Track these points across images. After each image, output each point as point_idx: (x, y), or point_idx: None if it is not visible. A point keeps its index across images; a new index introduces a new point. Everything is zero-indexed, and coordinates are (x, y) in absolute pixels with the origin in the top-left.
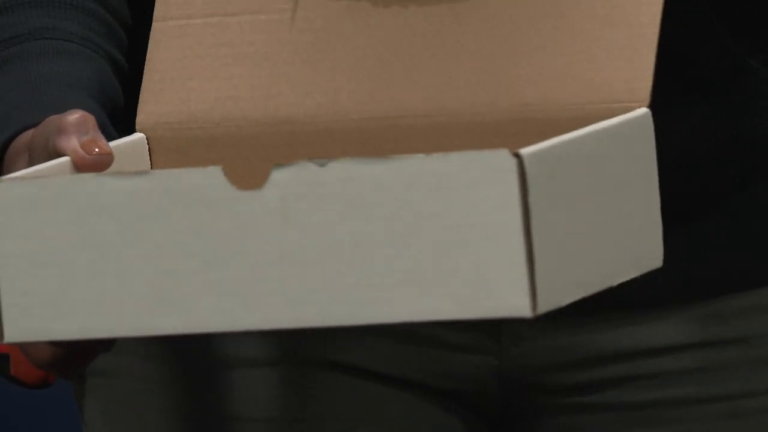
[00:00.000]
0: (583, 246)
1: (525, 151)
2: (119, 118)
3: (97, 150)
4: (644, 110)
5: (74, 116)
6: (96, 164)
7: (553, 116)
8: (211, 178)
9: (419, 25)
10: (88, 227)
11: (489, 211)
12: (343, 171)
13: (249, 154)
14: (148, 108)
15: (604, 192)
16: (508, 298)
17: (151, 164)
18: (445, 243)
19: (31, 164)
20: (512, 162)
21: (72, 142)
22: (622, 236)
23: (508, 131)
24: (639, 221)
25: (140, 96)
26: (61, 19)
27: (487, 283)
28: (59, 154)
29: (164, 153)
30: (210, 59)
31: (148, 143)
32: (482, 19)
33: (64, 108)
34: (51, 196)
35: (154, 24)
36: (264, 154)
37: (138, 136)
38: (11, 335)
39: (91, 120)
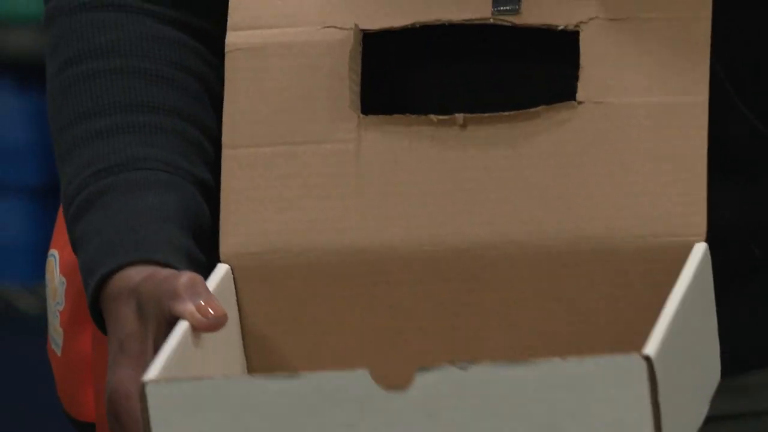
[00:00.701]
0: (689, 412)
1: (651, 352)
2: (207, 234)
3: (212, 313)
4: (704, 246)
5: (184, 280)
6: (212, 326)
7: (614, 248)
8: (359, 379)
9: (479, 155)
10: (241, 426)
11: (622, 410)
12: (484, 374)
13: (329, 282)
14: (229, 240)
15: (694, 346)
16: None
17: (236, 291)
18: None
19: (142, 319)
20: (642, 365)
21: (188, 307)
22: (703, 379)
23: (572, 261)
24: (708, 350)
25: (221, 226)
26: (151, 146)
27: None
28: (174, 317)
29: (248, 282)
30: (282, 190)
31: (232, 272)
32: (538, 150)
33: (156, 246)
34: (205, 396)
35: (224, 150)
36: (344, 283)
37: (224, 267)
38: None
39: (200, 282)
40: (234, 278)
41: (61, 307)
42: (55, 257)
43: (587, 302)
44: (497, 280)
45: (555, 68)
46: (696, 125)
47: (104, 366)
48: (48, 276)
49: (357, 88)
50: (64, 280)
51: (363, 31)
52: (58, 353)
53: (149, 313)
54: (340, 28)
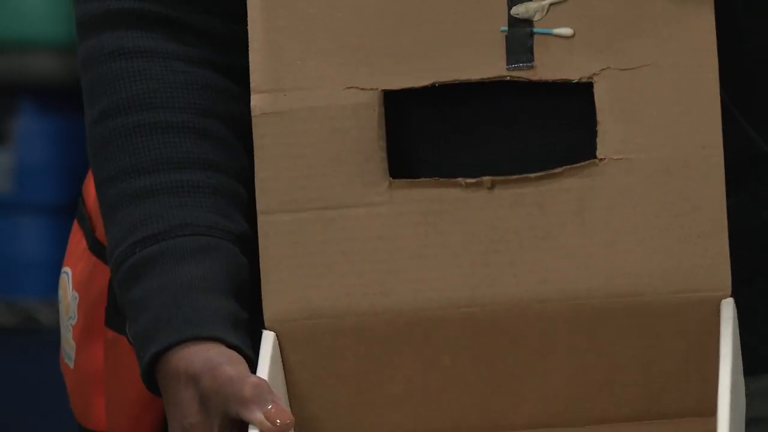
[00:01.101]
0: None
1: None
2: (247, 287)
3: (279, 421)
4: (731, 302)
5: (250, 386)
6: (282, 431)
7: (643, 304)
8: None
9: (507, 216)
10: None
11: None
12: None
13: (370, 344)
14: (272, 307)
15: (739, 405)
16: None
17: (282, 355)
18: None
19: (206, 413)
20: None
21: (257, 416)
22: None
23: (603, 317)
24: (741, 394)
25: (263, 293)
26: (191, 208)
27: None
28: (240, 420)
29: (294, 346)
30: (319, 255)
31: (278, 339)
32: (564, 209)
33: (204, 319)
34: None
35: (260, 216)
36: (383, 345)
37: (271, 335)
38: None
39: (264, 386)
40: (279, 343)
41: (73, 322)
42: (68, 274)
43: (620, 354)
44: (531, 337)
45: (572, 120)
46: (713, 178)
47: (114, 378)
48: (61, 292)
49: (384, 152)
50: (76, 295)
51: (384, 91)
52: (71, 366)
53: (214, 410)
54: (362, 89)
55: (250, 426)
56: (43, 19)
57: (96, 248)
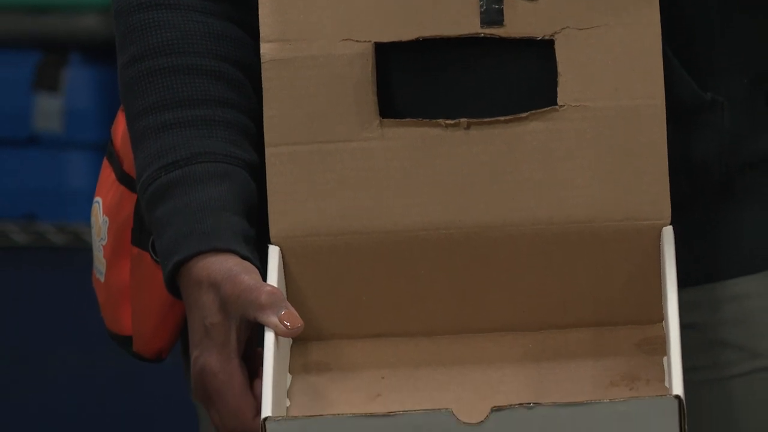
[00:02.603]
0: None
1: (679, 392)
2: (256, 208)
3: (290, 324)
4: (671, 229)
5: (266, 294)
6: (292, 334)
7: (595, 230)
8: (443, 416)
9: (481, 153)
10: None
11: None
12: (546, 411)
13: (361, 259)
14: (277, 226)
15: None
16: None
17: (285, 268)
18: None
19: (226, 315)
20: (674, 403)
21: (273, 320)
22: None
23: (561, 241)
24: None
25: (269, 214)
26: (208, 139)
27: None
28: (257, 322)
29: (295, 259)
30: (319, 182)
31: (282, 253)
32: (529, 148)
33: (220, 234)
34: (316, 429)
35: (267, 149)
36: (373, 260)
37: (276, 249)
38: None
39: (279, 294)
40: (283, 256)
41: (104, 243)
42: (99, 202)
43: (574, 272)
44: (499, 256)
45: (537, 71)
46: (656, 123)
47: (138, 289)
48: (93, 218)
49: (375, 95)
50: (107, 219)
51: (376, 43)
52: (102, 280)
53: (234, 314)
54: (356, 41)
55: (266, 328)
56: None
57: (123, 179)
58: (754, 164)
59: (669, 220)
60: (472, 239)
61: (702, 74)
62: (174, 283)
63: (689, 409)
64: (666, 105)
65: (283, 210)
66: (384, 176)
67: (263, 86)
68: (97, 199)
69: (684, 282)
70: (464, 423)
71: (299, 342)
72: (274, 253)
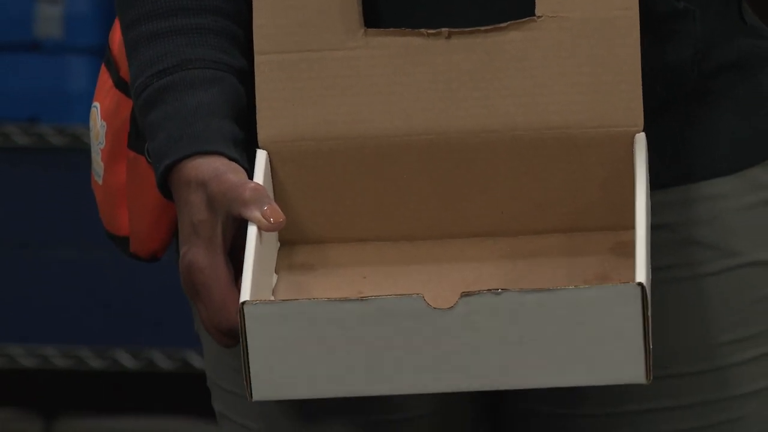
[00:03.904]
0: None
1: (642, 280)
2: (245, 112)
3: (272, 219)
4: (643, 135)
5: (250, 189)
6: (274, 228)
7: (571, 135)
8: (414, 301)
9: (461, 61)
10: (319, 336)
11: (621, 322)
12: (514, 297)
13: (346, 162)
14: (264, 131)
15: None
16: (629, 371)
17: (272, 171)
18: (588, 338)
19: (212, 211)
20: (637, 290)
21: (255, 214)
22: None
23: (538, 145)
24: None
25: (257, 121)
26: (199, 46)
27: (612, 361)
28: (241, 217)
29: (282, 163)
30: (306, 90)
31: (269, 157)
32: (508, 57)
33: (209, 137)
34: (291, 314)
35: (256, 56)
36: (357, 163)
37: (263, 153)
38: (259, 394)
39: (262, 190)
40: (270, 160)
41: (102, 146)
42: (96, 107)
43: (549, 178)
44: (478, 160)
45: None
46: (631, 34)
47: (134, 190)
48: (91, 122)
49: (360, 6)
50: (104, 124)
51: None
52: (100, 182)
53: (219, 210)
54: None
55: (249, 223)
56: None
57: (120, 85)
58: (726, 67)
59: (642, 127)
60: (452, 144)
61: None
62: (166, 185)
63: (663, 306)
64: (641, 15)
65: (270, 116)
66: (368, 83)
67: None
68: (95, 104)
69: (659, 184)
70: (434, 308)
71: (285, 245)
72: (261, 156)
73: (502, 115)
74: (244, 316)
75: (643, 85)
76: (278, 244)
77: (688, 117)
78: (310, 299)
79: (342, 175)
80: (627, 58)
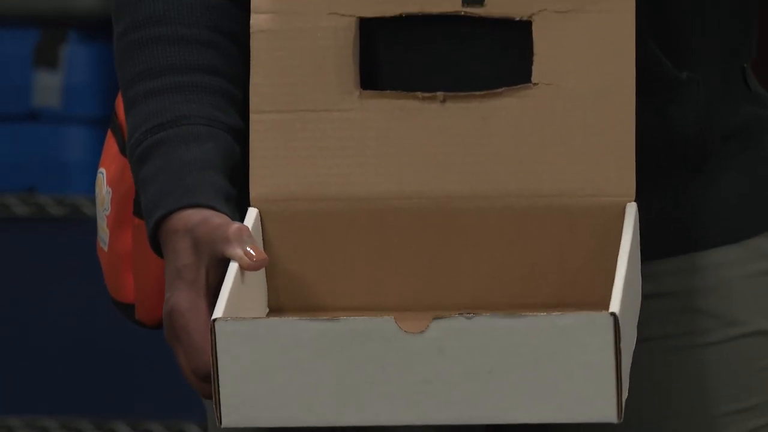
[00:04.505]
0: (630, 340)
1: (616, 310)
2: (239, 170)
3: (255, 257)
4: (634, 206)
5: (234, 229)
6: (256, 267)
7: (562, 204)
8: (385, 323)
9: (455, 125)
10: (289, 356)
11: (592, 354)
12: (485, 322)
13: (336, 224)
14: (257, 189)
15: (633, 289)
16: (599, 407)
17: (262, 230)
18: (559, 370)
19: (197, 254)
20: (610, 320)
21: (237, 252)
22: (636, 311)
23: (528, 213)
24: (637, 286)
25: (250, 179)
26: (194, 103)
27: (582, 396)
28: (224, 257)
29: (273, 222)
30: (299, 149)
31: (260, 215)
32: (502, 123)
33: (200, 190)
34: (261, 332)
35: (252, 115)
36: (347, 225)
37: (254, 211)
38: (228, 420)
39: (246, 231)
40: (261, 219)
41: (107, 212)
42: (102, 173)
43: (539, 246)
44: (467, 226)
45: (514, 50)
46: (626, 105)
47: (140, 257)
48: (97, 189)
49: (358, 67)
50: (110, 190)
51: (360, 18)
52: (105, 249)
53: (204, 250)
54: (342, 15)
55: (231, 261)
56: None
57: (126, 151)
58: (730, 136)
59: (633, 197)
60: (443, 209)
61: (678, 54)
62: (156, 240)
63: (665, 375)
64: (643, 83)
65: (263, 174)
66: (360, 145)
67: (251, 55)
68: (101, 170)
69: (662, 252)
70: (405, 331)
71: (273, 313)
72: (251, 214)
73: (493, 180)
74: (215, 333)
75: (646, 152)
76: (267, 310)
77: (692, 185)
78: (281, 318)
79: (332, 238)
80: (621, 127)
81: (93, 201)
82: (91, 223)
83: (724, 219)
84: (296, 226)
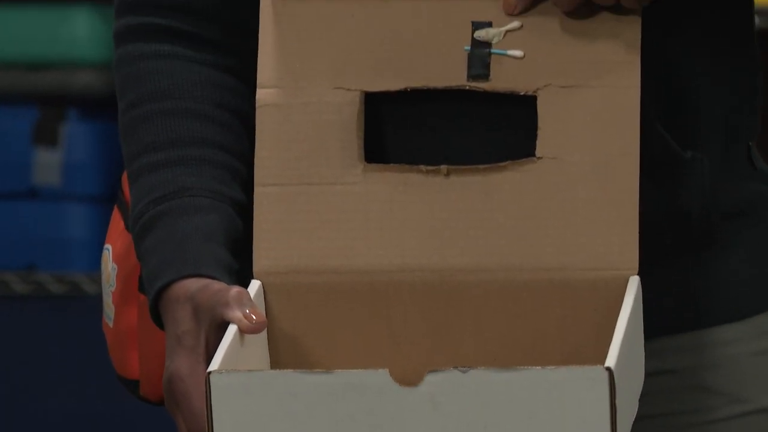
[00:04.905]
0: (630, 409)
1: (612, 364)
2: (241, 243)
3: (254, 319)
4: (637, 279)
5: (234, 292)
6: (255, 329)
7: (565, 278)
8: (380, 376)
9: (458, 199)
10: (285, 408)
11: (587, 409)
12: (480, 376)
13: (339, 297)
14: (261, 261)
15: (633, 358)
16: None
17: (265, 302)
18: (554, 425)
19: (197, 319)
20: (604, 374)
21: (236, 314)
22: (638, 383)
23: (531, 287)
24: (639, 360)
25: (254, 251)
26: (197, 176)
27: None
28: (224, 321)
29: (275, 295)
30: (303, 222)
31: (263, 287)
32: (506, 196)
33: (201, 261)
34: (257, 384)
35: (256, 188)
36: (350, 298)
37: (257, 283)
38: None
39: (246, 295)
40: (264, 292)
41: (113, 288)
42: (108, 249)
43: (542, 320)
44: (470, 299)
45: (516, 124)
46: (629, 179)
47: (146, 333)
48: (103, 265)
49: (362, 141)
50: (115, 266)
51: (365, 92)
52: (110, 325)
53: (204, 316)
54: (347, 90)
55: (230, 324)
56: (86, 43)
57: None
58: (735, 214)
59: (636, 270)
60: (446, 282)
61: (683, 133)
62: (157, 311)
63: None
64: (647, 162)
65: (266, 246)
66: (364, 218)
67: (257, 128)
68: (107, 246)
69: (668, 329)
70: (399, 384)
71: None
72: (254, 285)
73: (496, 254)
74: (210, 386)
75: (651, 231)
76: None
77: (697, 263)
78: (276, 370)
79: (334, 311)
80: (625, 201)
81: (93, 279)
82: (92, 300)
83: (729, 296)
84: (299, 299)
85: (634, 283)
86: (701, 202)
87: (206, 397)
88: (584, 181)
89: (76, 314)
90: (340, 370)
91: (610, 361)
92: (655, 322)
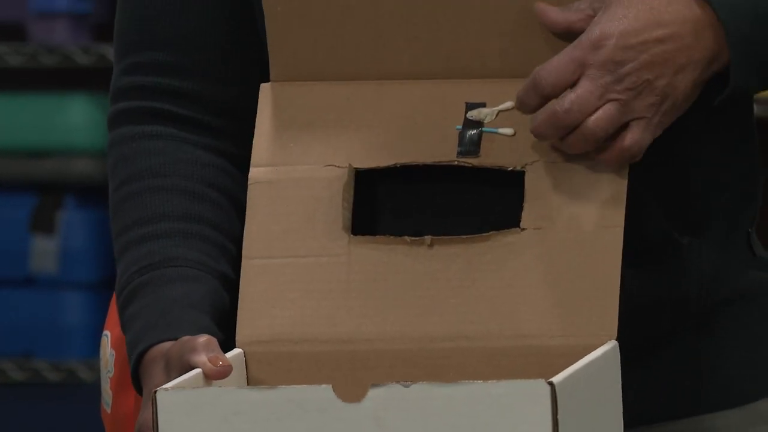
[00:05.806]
0: None
1: (556, 381)
2: (227, 316)
3: (220, 363)
4: (614, 343)
5: (202, 339)
6: (220, 373)
7: (544, 345)
8: (323, 392)
9: (441, 269)
10: (230, 425)
11: (529, 422)
12: (422, 391)
13: (321, 366)
14: (244, 331)
15: (597, 404)
16: None
17: (246, 372)
18: None
19: (167, 371)
20: (547, 389)
21: (202, 358)
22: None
23: (511, 354)
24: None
25: (237, 320)
26: (183, 248)
27: None
28: (192, 367)
29: (257, 363)
30: (287, 293)
31: (245, 356)
32: (488, 267)
33: (183, 326)
34: (202, 401)
35: (243, 261)
36: (332, 367)
37: (238, 351)
38: None
39: (214, 341)
40: (246, 360)
41: (111, 374)
42: (107, 336)
43: None
44: (451, 366)
45: (504, 196)
46: (612, 249)
47: None
48: (102, 351)
49: (349, 214)
50: (113, 352)
51: (356, 169)
52: (108, 411)
53: (173, 366)
54: (338, 167)
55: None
56: (83, 131)
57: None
58: (733, 300)
59: (615, 335)
60: (424, 350)
61: (681, 219)
62: (138, 376)
63: None
64: (644, 245)
65: (250, 317)
66: (346, 288)
67: (248, 204)
68: (106, 332)
69: (665, 415)
70: (342, 400)
71: None
72: (235, 353)
73: (476, 321)
74: (156, 404)
75: (648, 315)
76: None
77: (694, 348)
78: (219, 387)
79: (315, 379)
80: (607, 271)
81: (90, 366)
82: (88, 388)
83: (727, 383)
84: (280, 367)
85: (611, 344)
86: (699, 287)
87: (152, 415)
88: (567, 251)
89: (73, 402)
90: (283, 386)
91: (556, 378)
92: (654, 407)
